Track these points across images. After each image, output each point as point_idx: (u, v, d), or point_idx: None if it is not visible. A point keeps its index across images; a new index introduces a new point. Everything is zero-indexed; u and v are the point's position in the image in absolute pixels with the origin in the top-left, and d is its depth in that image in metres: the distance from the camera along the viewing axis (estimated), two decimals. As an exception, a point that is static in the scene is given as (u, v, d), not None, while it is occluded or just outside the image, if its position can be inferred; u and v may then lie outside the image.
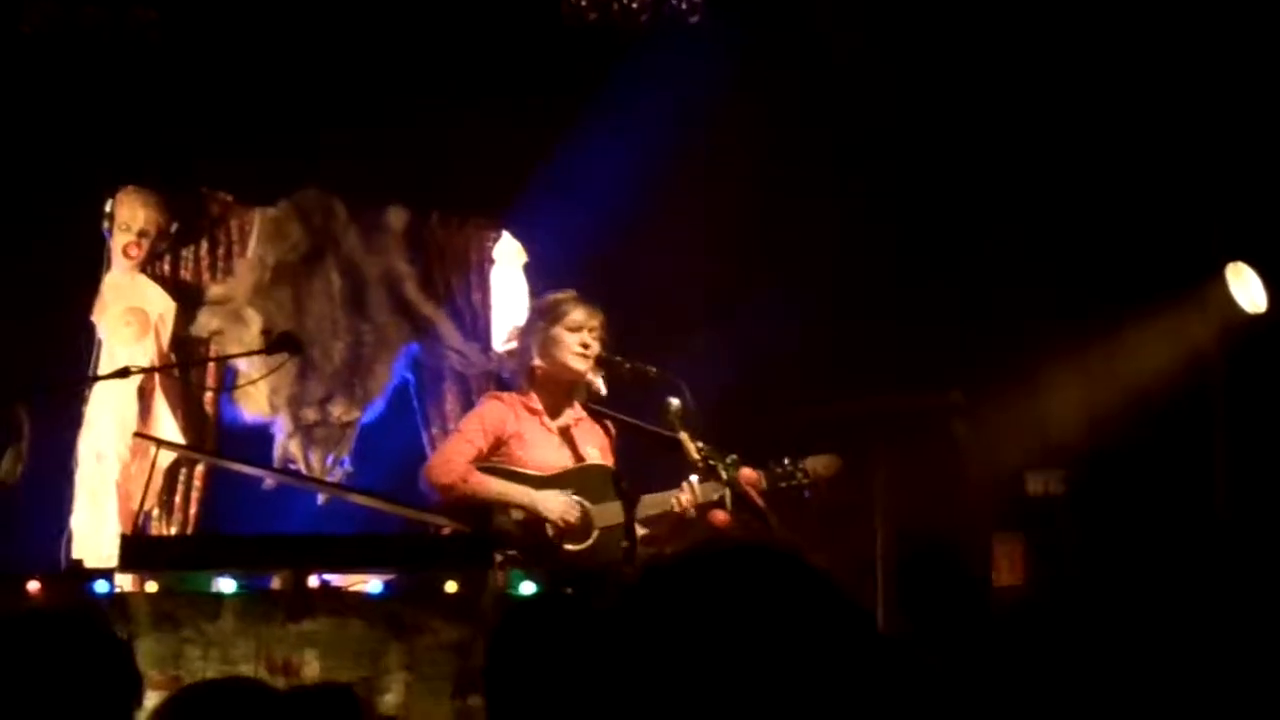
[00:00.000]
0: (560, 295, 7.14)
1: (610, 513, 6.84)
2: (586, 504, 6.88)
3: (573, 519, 6.81)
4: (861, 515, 8.81)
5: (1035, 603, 8.19)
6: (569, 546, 6.81)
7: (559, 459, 6.98)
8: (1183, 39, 8.23)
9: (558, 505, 6.81)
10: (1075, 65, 8.45)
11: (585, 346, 6.96)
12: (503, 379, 8.41)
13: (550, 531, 6.81)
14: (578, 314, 6.97)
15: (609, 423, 7.17)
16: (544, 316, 7.05)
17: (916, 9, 8.60)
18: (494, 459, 6.93)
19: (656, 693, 1.79)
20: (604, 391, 7.05)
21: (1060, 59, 8.47)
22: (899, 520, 8.91)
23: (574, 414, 7.11)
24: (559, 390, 7.05)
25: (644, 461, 7.11)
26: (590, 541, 6.84)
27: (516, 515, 6.80)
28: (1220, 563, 8.00)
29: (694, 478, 6.82)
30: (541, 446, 6.98)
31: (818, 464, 7.19)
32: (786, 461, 7.12)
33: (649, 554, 6.80)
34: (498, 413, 7.01)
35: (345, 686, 4.70)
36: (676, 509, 6.84)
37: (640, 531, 6.89)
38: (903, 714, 1.88)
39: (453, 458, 6.90)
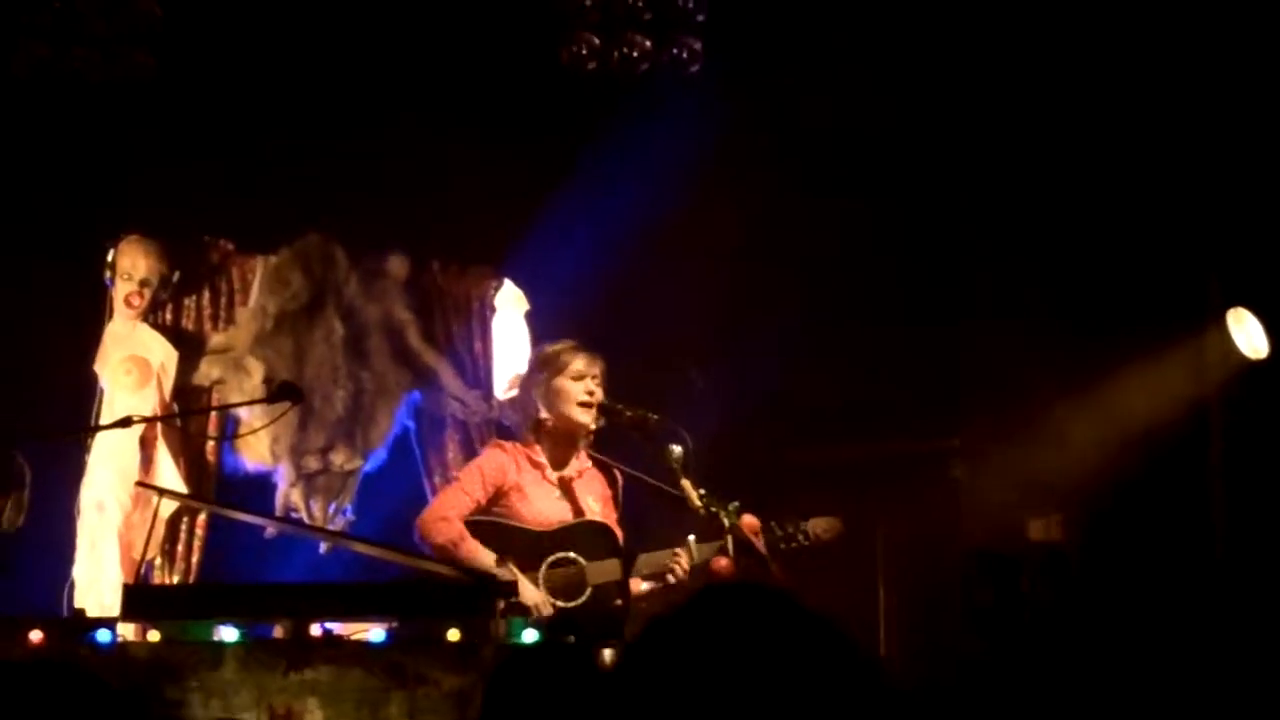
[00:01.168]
0: (559, 346, 7.14)
1: (605, 570, 6.85)
2: (582, 560, 6.88)
3: (542, 614, 6.77)
4: (861, 559, 8.81)
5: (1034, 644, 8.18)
6: (561, 604, 6.80)
7: (558, 512, 6.98)
8: (1180, 82, 8.26)
9: (532, 598, 6.79)
10: (1074, 110, 8.47)
11: (590, 394, 6.97)
12: (504, 426, 8.42)
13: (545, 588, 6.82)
14: (579, 363, 6.98)
15: (615, 472, 7.17)
16: (545, 369, 7.05)
17: (912, 54, 8.63)
18: (494, 510, 6.92)
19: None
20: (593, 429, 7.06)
21: (1058, 102, 8.50)
22: (899, 564, 8.92)
23: (579, 464, 7.11)
24: (564, 441, 7.05)
25: (645, 514, 7.12)
26: (583, 599, 6.85)
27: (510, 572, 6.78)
28: (1217, 608, 8.00)
29: (691, 538, 6.84)
30: (541, 500, 6.98)
31: (818, 526, 7.22)
32: (788, 526, 7.14)
33: (644, 612, 6.81)
34: (499, 463, 7.00)
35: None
36: (677, 570, 6.86)
37: (642, 588, 6.91)
38: None
39: (448, 515, 6.86)
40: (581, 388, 6.96)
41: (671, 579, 6.89)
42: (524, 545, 6.85)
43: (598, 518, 7.02)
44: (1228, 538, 8.16)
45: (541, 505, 6.95)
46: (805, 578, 6.86)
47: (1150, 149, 8.38)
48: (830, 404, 8.77)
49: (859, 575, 8.77)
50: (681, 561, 6.86)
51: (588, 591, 6.84)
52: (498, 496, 6.93)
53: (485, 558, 6.77)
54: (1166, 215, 8.42)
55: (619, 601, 6.80)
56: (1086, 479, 8.49)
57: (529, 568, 6.82)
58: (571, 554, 6.88)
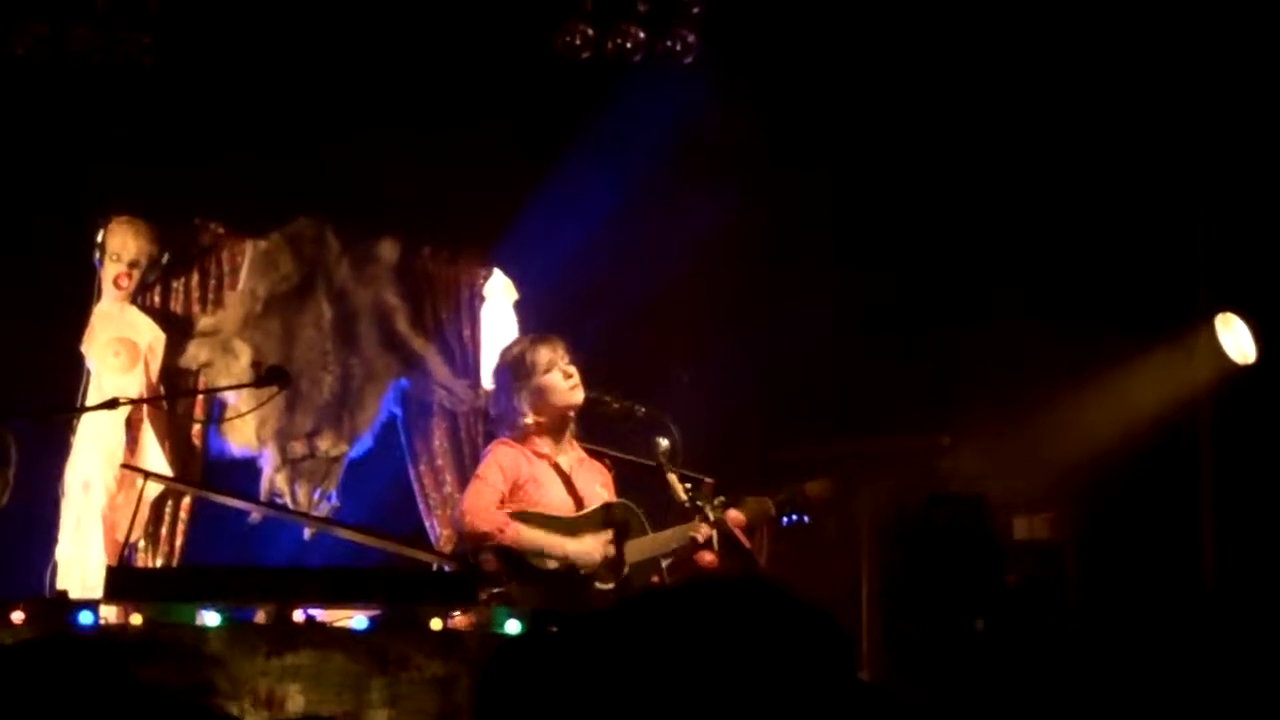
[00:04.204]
0: (518, 347, 7.12)
1: (638, 548, 6.85)
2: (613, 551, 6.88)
3: (608, 555, 6.78)
4: (848, 554, 8.82)
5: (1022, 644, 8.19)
6: (600, 585, 6.79)
7: (568, 502, 6.96)
8: (1172, 88, 8.27)
9: (594, 553, 6.79)
10: (1067, 110, 8.47)
11: (569, 376, 6.97)
12: (491, 416, 8.40)
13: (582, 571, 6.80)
14: (543, 355, 6.95)
15: (608, 461, 7.17)
16: (518, 375, 6.99)
17: (907, 52, 8.63)
18: (510, 504, 6.88)
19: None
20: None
21: (1052, 101, 8.50)
22: (885, 558, 8.92)
23: (576, 454, 7.09)
24: (554, 430, 7.03)
25: (637, 498, 7.11)
26: (621, 577, 6.83)
27: (551, 563, 6.77)
28: (1205, 607, 8.01)
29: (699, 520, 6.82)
30: (554, 489, 6.95)
31: (814, 488, 7.23)
32: (784, 492, 7.14)
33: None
34: (512, 459, 6.95)
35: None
36: (700, 540, 6.81)
37: (663, 564, 6.91)
38: None
39: (488, 505, 6.81)
40: (559, 375, 6.95)
41: (698, 537, 6.85)
42: (557, 529, 6.83)
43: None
44: (1216, 540, 8.16)
45: (555, 494, 6.93)
46: (792, 572, 6.86)
47: (1142, 153, 8.38)
48: (822, 399, 8.77)
49: (844, 570, 8.77)
50: (705, 528, 6.80)
51: (626, 569, 6.84)
52: (514, 490, 6.89)
53: (532, 536, 6.75)
54: (1157, 219, 8.43)
55: (655, 578, 6.82)
56: (1076, 480, 8.50)
57: None
58: (606, 534, 6.87)
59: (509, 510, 6.81)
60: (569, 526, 6.86)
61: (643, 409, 6.98)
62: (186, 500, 8.48)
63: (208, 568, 7.79)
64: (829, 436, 8.71)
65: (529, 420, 6.96)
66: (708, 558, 6.70)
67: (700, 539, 6.77)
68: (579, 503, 6.96)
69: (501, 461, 6.94)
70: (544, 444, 6.99)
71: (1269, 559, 7.91)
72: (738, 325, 8.73)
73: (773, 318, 8.66)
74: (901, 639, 7.91)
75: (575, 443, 7.11)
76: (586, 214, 8.40)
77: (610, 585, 6.80)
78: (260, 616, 6.19)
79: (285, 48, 8.56)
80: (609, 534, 6.85)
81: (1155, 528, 8.27)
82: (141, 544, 8.38)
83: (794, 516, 7.13)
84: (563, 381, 6.94)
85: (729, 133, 8.71)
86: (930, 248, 8.97)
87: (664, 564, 6.91)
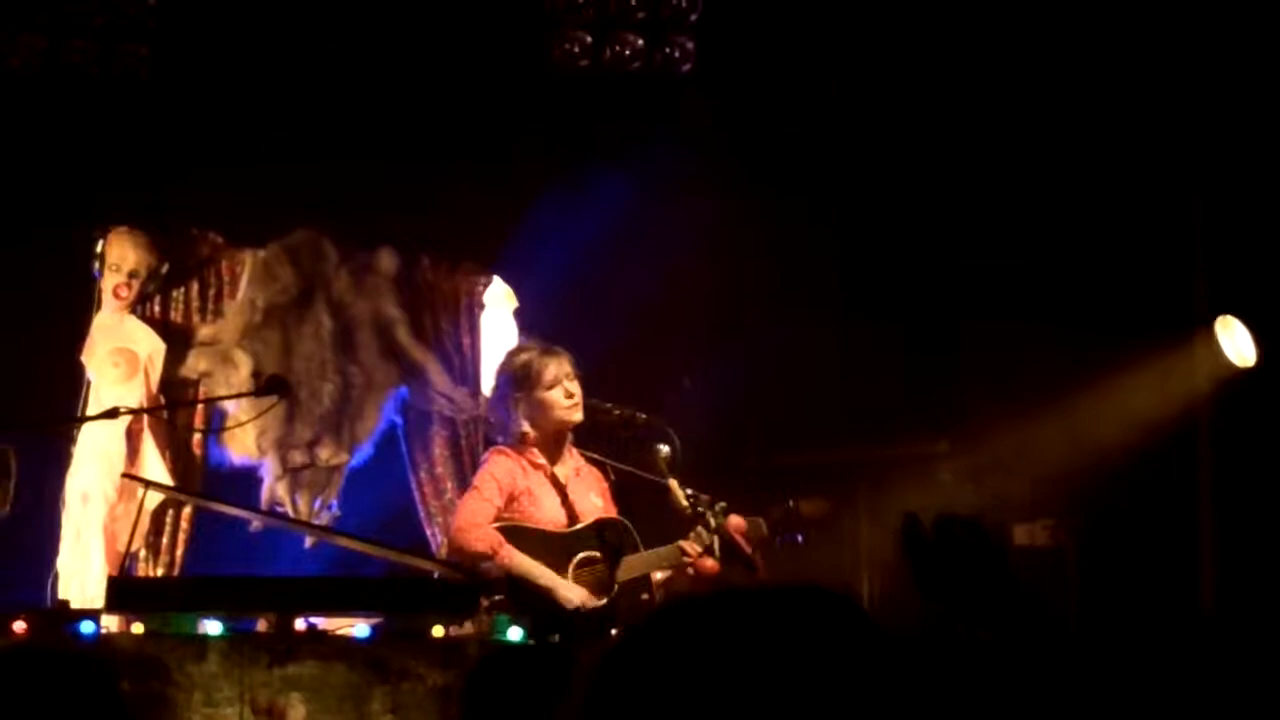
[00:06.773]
0: (523, 356, 7.04)
1: (629, 566, 6.81)
2: (605, 557, 6.85)
3: (589, 607, 6.73)
4: (846, 562, 8.81)
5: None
6: (590, 604, 6.76)
7: (561, 515, 6.92)
8: (1171, 86, 8.28)
9: (576, 598, 6.74)
10: (1063, 113, 8.48)
11: (570, 395, 6.91)
12: (491, 424, 8.40)
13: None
14: (550, 370, 6.87)
15: (608, 469, 7.13)
16: (519, 386, 6.93)
17: (909, 57, 8.64)
18: (504, 516, 6.84)
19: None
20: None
21: (1051, 105, 8.51)
22: (884, 569, 8.91)
23: (574, 463, 7.06)
24: (551, 441, 7.00)
25: (637, 510, 7.10)
26: (612, 595, 6.80)
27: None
28: (1205, 609, 8.01)
29: (701, 527, 6.79)
30: (548, 502, 6.91)
31: (809, 507, 7.20)
32: (779, 509, 7.11)
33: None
34: (508, 468, 6.91)
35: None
36: (690, 558, 6.77)
37: (657, 576, 6.87)
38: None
39: (482, 522, 6.75)
40: (561, 393, 6.88)
41: (691, 571, 6.82)
42: (549, 546, 6.80)
43: (601, 514, 6.97)
44: (1216, 544, 8.16)
45: (549, 507, 6.90)
46: (787, 579, 6.84)
47: (1141, 157, 8.39)
48: (820, 406, 8.77)
49: (843, 579, 8.76)
50: (697, 547, 6.77)
51: (615, 588, 6.81)
52: (510, 501, 6.85)
53: (521, 564, 6.70)
54: (1155, 223, 8.43)
55: (645, 596, 6.79)
56: (1077, 486, 8.49)
57: (555, 568, 6.76)
58: (596, 552, 6.84)
59: (502, 523, 6.78)
60: (562, 549, 6.82)
61: (643, 416, 6.97)
62: (187, 510, 8.47)
63: (209, 578, 7.81)
64: (827, 443, 8.70)
65: (525, 430, 6.93)
66: (708, 564, 6.69)
67: (692, 556, 6.75)
68: (572, 516, 6.93)
69: (497, 473, 6.89)
70: (541, 454, 6.96)
71: (1270, 563, 7.91)
72: (737, 331, 8.73)
73: (771, 324, 8.66)
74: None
75: (574, 451, 7.08)
76: (585, 221, 8.40)
77: (599, 603, 6.77)
78: (261, 626, 6.20)
79: (283, 58, 8.57)
80: (595, 585, 6.80)
81: (1155, 533, 8.27)
82: (142, 554, 8.38)
83: (788, 536, 7.09)
84: (564, 400, 6.88)
85: (728, 140, 8.72)
86: (930, 254, 8.97)
87: (659, 576, 6.87)
